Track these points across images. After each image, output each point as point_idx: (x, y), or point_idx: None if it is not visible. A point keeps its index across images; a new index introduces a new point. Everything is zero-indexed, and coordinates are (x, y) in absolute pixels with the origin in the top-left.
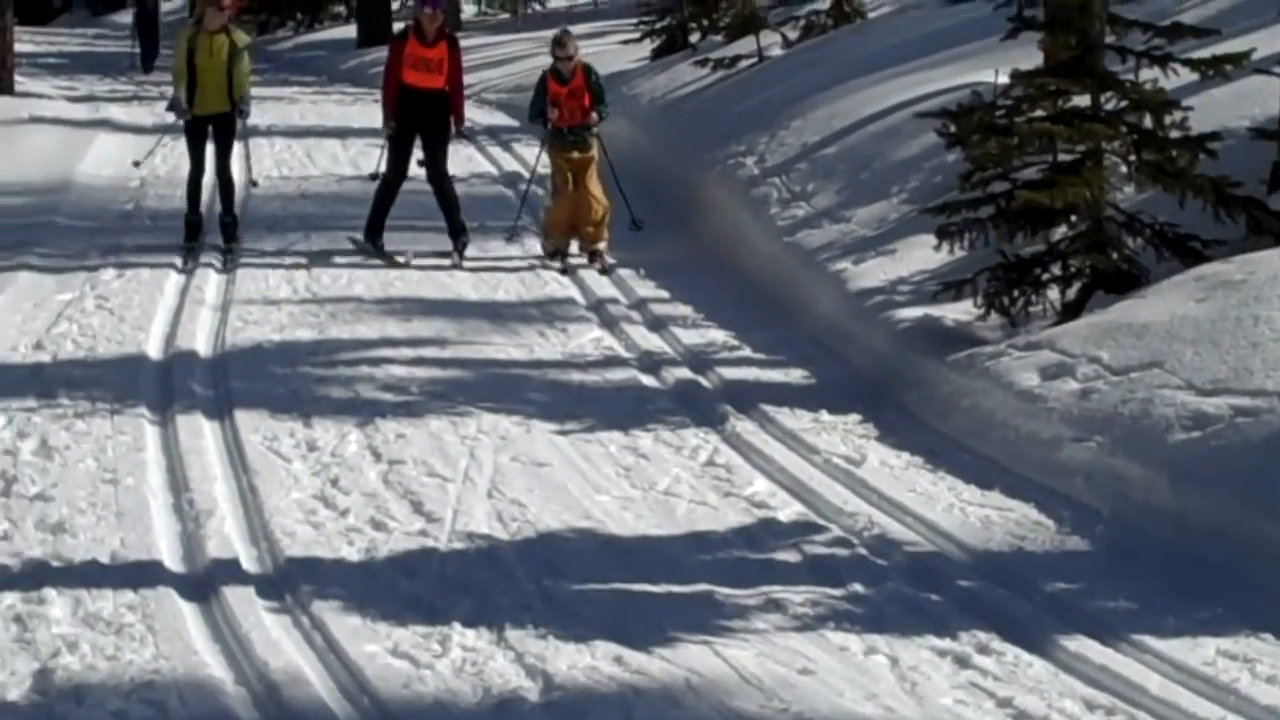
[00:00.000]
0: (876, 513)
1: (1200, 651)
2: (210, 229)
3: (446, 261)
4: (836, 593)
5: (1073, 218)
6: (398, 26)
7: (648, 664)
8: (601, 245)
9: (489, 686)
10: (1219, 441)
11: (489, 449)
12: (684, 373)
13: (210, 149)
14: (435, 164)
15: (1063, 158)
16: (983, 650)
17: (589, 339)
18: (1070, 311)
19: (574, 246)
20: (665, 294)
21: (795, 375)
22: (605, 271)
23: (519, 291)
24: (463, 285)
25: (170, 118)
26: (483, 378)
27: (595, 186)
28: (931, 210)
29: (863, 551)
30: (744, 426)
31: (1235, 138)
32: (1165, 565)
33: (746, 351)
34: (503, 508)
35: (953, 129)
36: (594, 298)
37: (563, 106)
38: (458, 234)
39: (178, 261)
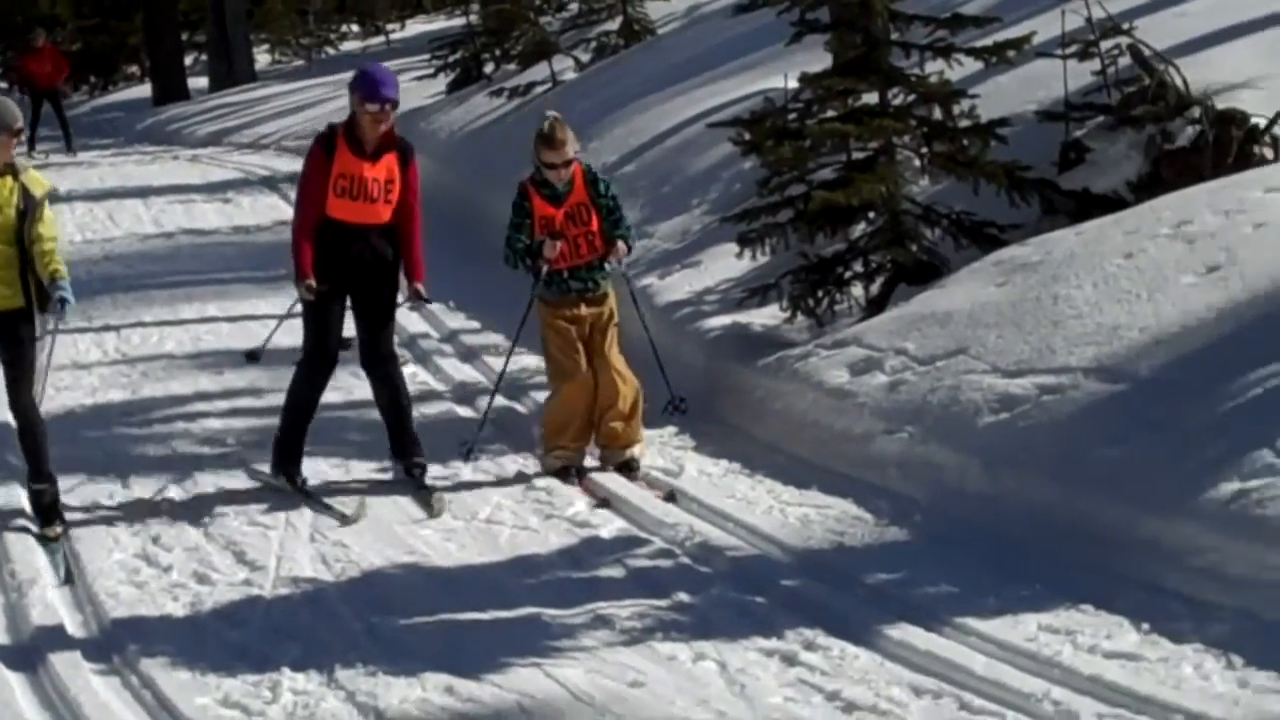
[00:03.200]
0: (697, 521)
1: (1022, 628)
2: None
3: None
4: (662, 603)
5: (870, 214)
6: (195, 83)
7: (479, 691)
8: (636, 450)
9: None
10: (1027, 422)
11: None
12: (499, 400)
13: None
14: (376, 343)
15: (856, 156)
16: (809, 647)
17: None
18: (874, 306)
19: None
20: (476, 324)
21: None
22: (671, 498)
23: None
24: (276, 334)
25: None
26: None
27: (618, 358)
28: (732, 219)
29: (686, 561)
30: None
31: (1024, 122)
32: (983, 548)
33: None
34: (326, 550)
35: (747, 136)
36: (405, 334)
37: (561, 237)
38: (411, 454)
39: None
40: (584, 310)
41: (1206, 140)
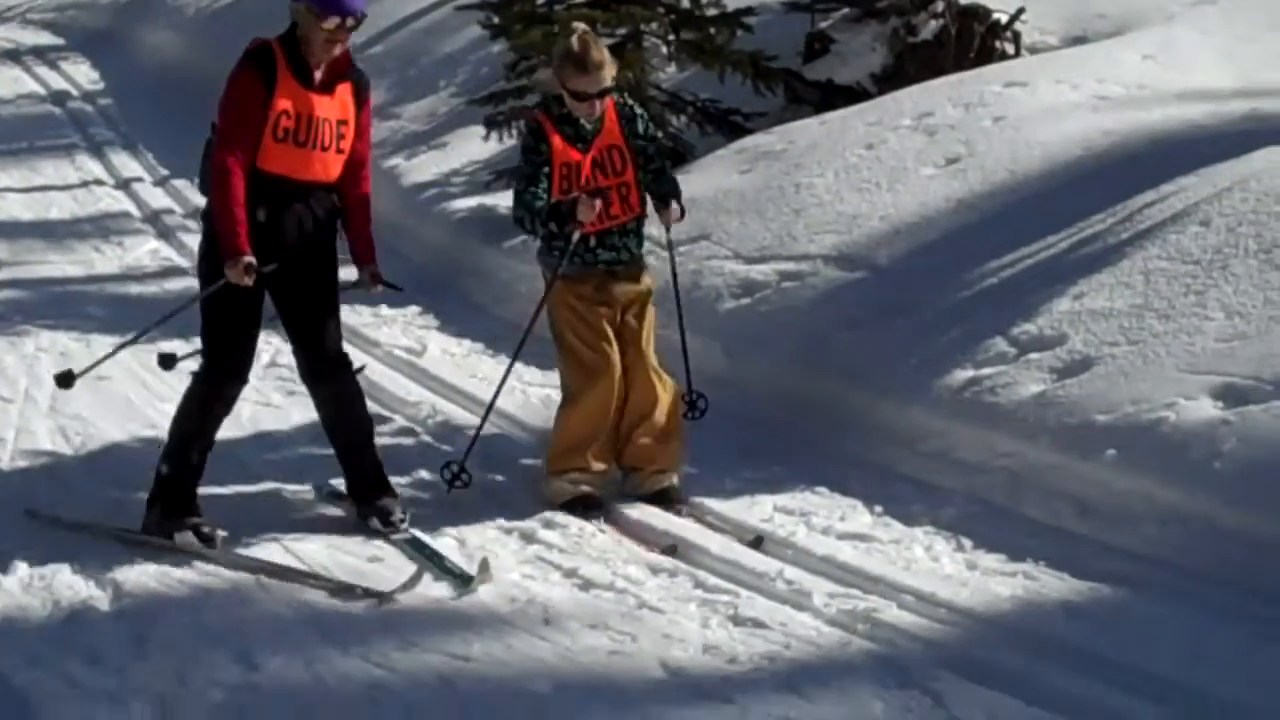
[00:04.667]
0: (440, 400)
1: (758, 510)
2: None
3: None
4: (403, 480)
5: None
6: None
7: (219, 565)
8: (675, 476)
9: (58, 599)
10: (768, 307)
11: (48, 366)
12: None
13: None
14: (320, 344)
15: (606, 41)
16: (548, 525)
17: (146, 250)
18: None
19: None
20: None
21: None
22: (759, 542)
23: (73, 209)
24: (14, 206)
25: None
26: (40, 296)
27: (654, 357)
28: (479, 101)
29: (427, 439)
30: None
31: (770, 12)
32: (723, 430)
33: None
34: (65, 423)
35: (496, 20)
36: (149, 209)
37: (601, 194)
38: (381, 494)
39: None
40: (615, 288)
41: (949, 34)
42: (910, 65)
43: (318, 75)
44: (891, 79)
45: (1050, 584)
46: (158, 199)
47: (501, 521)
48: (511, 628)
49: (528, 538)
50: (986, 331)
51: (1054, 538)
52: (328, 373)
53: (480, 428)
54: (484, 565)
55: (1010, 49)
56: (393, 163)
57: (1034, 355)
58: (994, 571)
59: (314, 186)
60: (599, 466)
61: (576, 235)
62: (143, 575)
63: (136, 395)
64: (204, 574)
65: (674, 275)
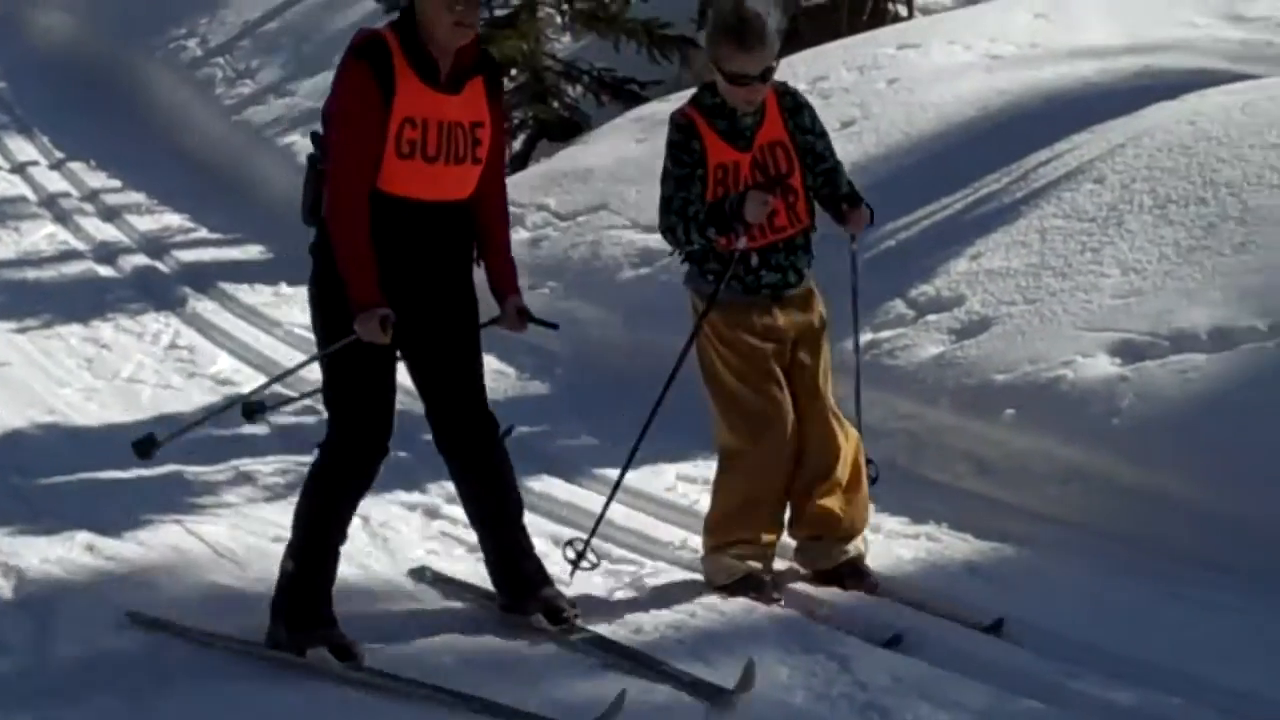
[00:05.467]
0: None
1: (661, 479)
2: None
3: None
4: (305, 459)
5: (512, 71)
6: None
7: (121, 549)
8: (861, 542)
9: None
10: (665, 276)
11: None
12: (141, 260)
13: None
14: (464, 402)
15: (498, 12)
16: (451, 500)
17: (42, 235)
18: (517, 162)
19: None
20: (118, 183)
21: (253, 252)
22: (998, 626)
23: None
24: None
25: None
26: None
27: (832, 400)
28: None
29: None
30: (204, 307)
31: None
32: (624, 400)
33: (203, 233)
34: None
35: None
36: (45, 193)
37: (778, 186)
38: (537, 584)
39: None
40: (782, 319)
41: None
42: (804, 29)
43: (443, 69)
44: (786, 43)
45: (953, 545)
46: (54, 182)
47: (404, 496)
48: (415, 601)
49: (431, 513)
50: (884, 294)
51: (955, 499)
52: (473, 439)
53: (605, 508)
54: (748, 672)
55: (903, 10)
56: (288, 140)
57: (932, 317)
58: (896, 534)
59: (447, 206)
60: (769, 537)
61: (743, 243)
62: (46, 563)
63: (38, 382)
64: (107, 559)
65: (854, 304)
